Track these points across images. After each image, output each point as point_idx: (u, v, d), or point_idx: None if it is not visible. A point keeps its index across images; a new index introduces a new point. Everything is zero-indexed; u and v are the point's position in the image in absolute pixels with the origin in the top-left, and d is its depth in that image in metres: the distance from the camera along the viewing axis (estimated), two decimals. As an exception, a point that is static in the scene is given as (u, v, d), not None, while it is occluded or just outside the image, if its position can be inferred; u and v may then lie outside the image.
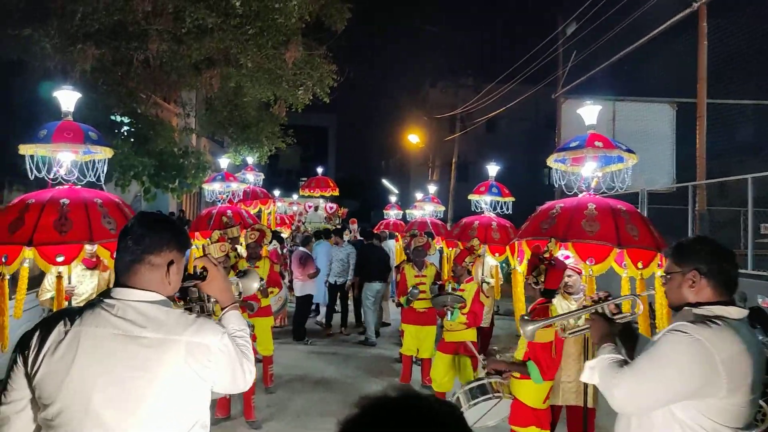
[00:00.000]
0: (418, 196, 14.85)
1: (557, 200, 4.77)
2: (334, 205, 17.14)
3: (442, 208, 13.43)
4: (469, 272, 5.91)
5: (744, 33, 11.43)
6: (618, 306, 2.38)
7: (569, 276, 4.47)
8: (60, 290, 4.32)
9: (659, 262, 4.27)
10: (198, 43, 7.51)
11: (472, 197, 8.33)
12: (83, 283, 5.10)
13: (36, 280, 5.20)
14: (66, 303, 4.41)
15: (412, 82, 27.82)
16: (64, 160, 4.59)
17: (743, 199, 9.01)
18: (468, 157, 26.00)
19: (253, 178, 12.86)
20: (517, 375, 3.65)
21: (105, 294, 1.79)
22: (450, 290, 5.59)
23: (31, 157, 4.48)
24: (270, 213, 13.35)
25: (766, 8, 11.47)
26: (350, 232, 14.09)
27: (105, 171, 4.81)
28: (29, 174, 4.45)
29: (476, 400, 3.65)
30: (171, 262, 1.82)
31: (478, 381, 3.75)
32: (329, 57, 9.55)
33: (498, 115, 19.75)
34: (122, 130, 11.52)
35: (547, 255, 3.67)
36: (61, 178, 4.56)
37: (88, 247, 4.31)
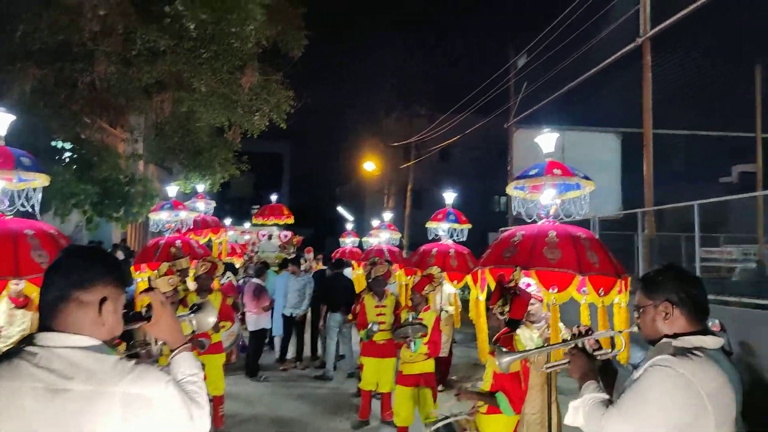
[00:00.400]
0: (374, 223, 14.74)
1: (518, 227, 4.74)
2: (289, 233, 16.77)
3: (399, 236, 13.36)
4: (427, 301, 5.79)
5: (682, 67, 12.11)
6: (598, 341, 2.29)
7: (532, 304, 4.41)
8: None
9: (619, 288, 4.28)
10: (149, 66, 7.22)
11: (430, 225, 8.30)
12: (13, 324, 4.66)
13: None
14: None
15: (368, 111, 28.00)
16: (-7, 188, 4.22)
17: (681, 225, 9.37)
18: (422, 185, 26.21)
19: (203, 207, 12.40)
20: (484, 410, 3.51)
21: (27, 340, 1.54)
22: (410, 320, 5.43)
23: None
24: (221, 243, 12.93)
25: (700, 45, 12.24)
26: (305, 261, 13.76)
27: (40, 200, 4.46)
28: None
29: None
30: (104, 299, 1.58)
31: (445, 419, 3.59)
32: (286, 83, 9.41)
33: (451, 144, 20.05)
34: (64, 156, 10.96)
35: (512, 284, 3.59)
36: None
37: (13, 284, 3.92)
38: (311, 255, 14.00)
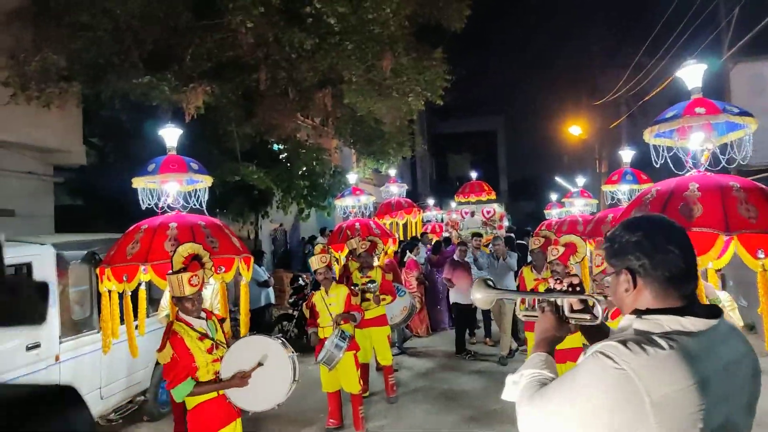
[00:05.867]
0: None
1: (657, 183, 4.02)
2: (492, 209, 16.75)
3: (595, 202, 12.23)
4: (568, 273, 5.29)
5: None
6: (585, 302, 1.82)
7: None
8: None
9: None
10: (307, 66, 7.89)
11: (606, 188, 7.48)
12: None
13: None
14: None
15: (576, 71, 25.89)
16: (170, 190, 5.20)
17: None
18: (639, 142, 23.30)
19: (396, 190, 13.22)
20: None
21: None
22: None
23: (143, 189, 5.17)
24: (416, 222, 13.57)
25: None
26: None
27: (206, 198, 5.35)
28: (141, 204, 5.14)
29: None
30: None
31: None
32: (444, 58, 9.31)
33: (677, 94, 17.35)
34: (280, 156, 12.73)
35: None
36: (168, 206, 5.17)
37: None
38: (503, 231, 13.70)
